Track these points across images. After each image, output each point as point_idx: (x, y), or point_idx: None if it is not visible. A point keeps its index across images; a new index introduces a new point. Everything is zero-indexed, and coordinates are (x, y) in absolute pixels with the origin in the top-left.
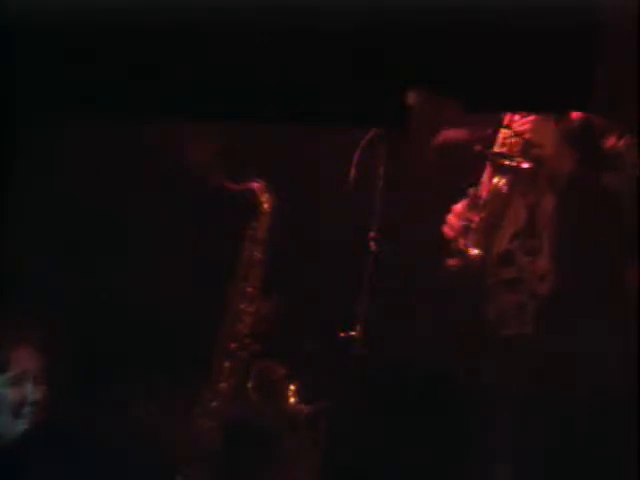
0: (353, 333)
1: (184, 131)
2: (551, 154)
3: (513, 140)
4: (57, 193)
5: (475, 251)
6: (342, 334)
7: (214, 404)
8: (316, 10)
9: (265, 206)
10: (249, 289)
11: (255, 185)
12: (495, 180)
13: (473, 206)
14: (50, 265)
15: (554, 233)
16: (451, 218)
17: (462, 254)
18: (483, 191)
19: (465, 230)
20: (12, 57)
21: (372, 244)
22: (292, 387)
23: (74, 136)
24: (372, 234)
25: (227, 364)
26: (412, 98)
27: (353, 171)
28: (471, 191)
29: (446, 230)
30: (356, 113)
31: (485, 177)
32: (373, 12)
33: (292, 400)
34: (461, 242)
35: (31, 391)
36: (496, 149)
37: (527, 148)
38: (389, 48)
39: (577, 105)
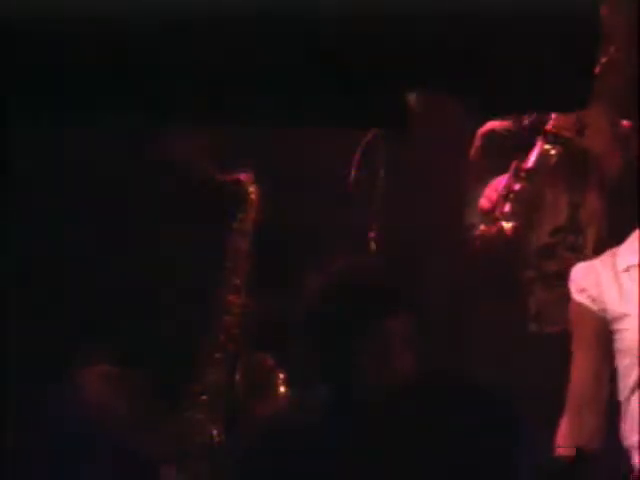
0: None
1: (181, 127)
2: (600, 153)
3: (567, 119)
4: (56, 192)
5: (509, 224)
6: None
7: (204, 397)
8: (316, 11)
9: (252, 197)
10: (236, 281)
11: (243, 176)
12: (546, 147)
13: (515, 176)
14: (50, 266)
15: (598, 231)
16: (488, 190)
17: (496, 223)
18: (528, 163)
19: (502, 200)
20: (12, 57)
21: (372, 244)
22: (281, 375)
23: (73, 135)
24: (372, 234)
25: (217, 355)
26: (412, 99)
27: (353, 171)
28: (515, 163)
29: (482, 202)
30: (356, 113)
31: (534, 150)
32: (373, 12)
33: (282, 389)
34: (497, 212)
35: None
36: (549, 126)
37: (581, 127)
38: (389, 48)
39: (577, 105)
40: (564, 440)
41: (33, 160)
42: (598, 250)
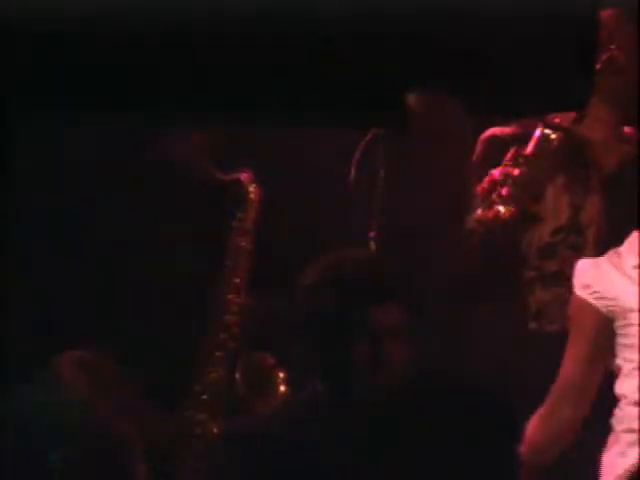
0: None
1: (181, 127)
2: (599, 142)
3: (566, 115)
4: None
5: (506, 208)
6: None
7: (205, 397)
8: (316, 11)
9: (252, 196)
10: (236, 280)
11: (242, 175)
12: (545, 132)
13: (513, 162)
14: (50, 266)
15: (598, 231)
16: (487, 178)
17: (492, 207)
18: (527, 149)
19: (500, 184)
20: (12, 57)
21: (372, 244)
22: (281, 374)
23: (72, 135)
24: (372, 234)
25: (217, 354)
26: (412, 99)
27: (353, 171)
28: (514, 149)
29: (479, 189)
30: (356, 113)
31: (534, 137)
32: (373, 13)
33: (282, 388)
34: (494, 196)
35: None
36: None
37: (580, 117)
38: (389, 48)
39: (577, 105)
40: (533, 426)
41: (33, 160)
42: (599, 250)
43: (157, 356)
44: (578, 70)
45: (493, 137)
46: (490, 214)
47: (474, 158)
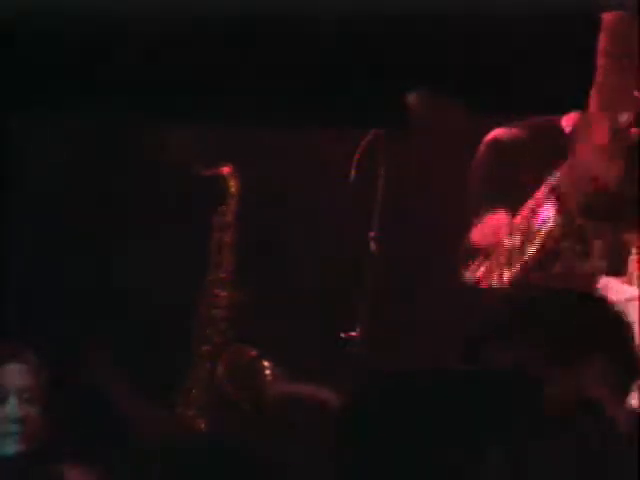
0: (353, 333)
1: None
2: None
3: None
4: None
5: (507, 273)
6: (342, 334)
7: (194, 392)
8: (317, 10)
9: (232, 190)
10: (222, 274)
11: (223, 169)
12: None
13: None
14: (50, 265)
15: (604, 239)
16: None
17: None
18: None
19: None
20: (12, 57)
21: (372, 244)
22: (266, 364)
23: (69, 134)
24: (372, 234)
25: (204, 349)
26: (412, 99)
27: (353, 171)
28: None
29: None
30: (356, 113)
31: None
32: (374, 13)
33: (269, 378)
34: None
35: (13, 408)
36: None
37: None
38: (389, 48)
39: (577, 105)
40: None
41: (33, 159)
42: (604, 257)
43: (149, 353)
44: (578, 70)
45: (497, 140)
46: (490, 277)
47: (476, 159)
